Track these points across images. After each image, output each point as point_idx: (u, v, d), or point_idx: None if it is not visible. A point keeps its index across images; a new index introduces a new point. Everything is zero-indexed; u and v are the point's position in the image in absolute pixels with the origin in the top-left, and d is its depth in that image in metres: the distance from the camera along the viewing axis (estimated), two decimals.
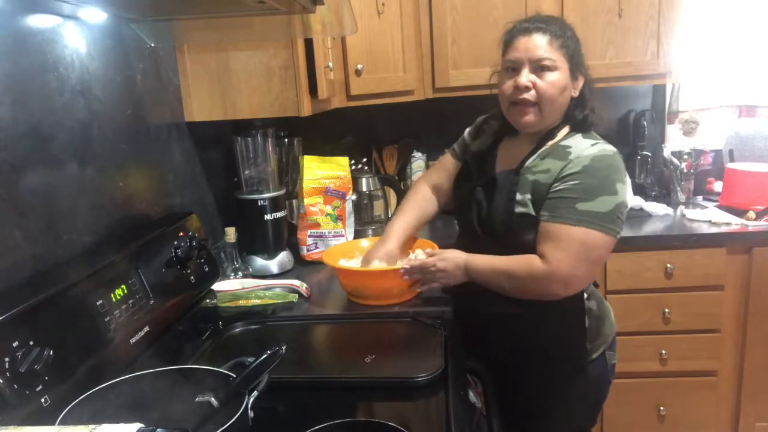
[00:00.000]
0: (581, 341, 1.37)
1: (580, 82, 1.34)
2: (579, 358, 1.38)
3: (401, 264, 1.48)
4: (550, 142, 1.34)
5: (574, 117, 1.34)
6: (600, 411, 1.56)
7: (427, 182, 1.64)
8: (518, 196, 1.30)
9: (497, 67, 1.38)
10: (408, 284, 1.45)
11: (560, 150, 1.30)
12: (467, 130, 1.60)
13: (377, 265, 1.50)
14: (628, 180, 2.26)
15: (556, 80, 1.29)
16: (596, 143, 1.30)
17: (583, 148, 1.28)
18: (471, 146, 1.55)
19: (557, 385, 1.38)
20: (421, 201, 1.61)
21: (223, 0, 1.13)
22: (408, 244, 1.60)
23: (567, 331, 1.36)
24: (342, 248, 1.72)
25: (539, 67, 1.29)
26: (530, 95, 1.30)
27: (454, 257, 1.39)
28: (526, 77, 1.29)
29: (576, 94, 1.34)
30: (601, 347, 1.42)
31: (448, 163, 1.60)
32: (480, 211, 1.37)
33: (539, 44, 1.29)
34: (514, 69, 1.32)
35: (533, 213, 1.29)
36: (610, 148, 1.30)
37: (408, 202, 1.62)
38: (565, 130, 1.35)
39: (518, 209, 1.29)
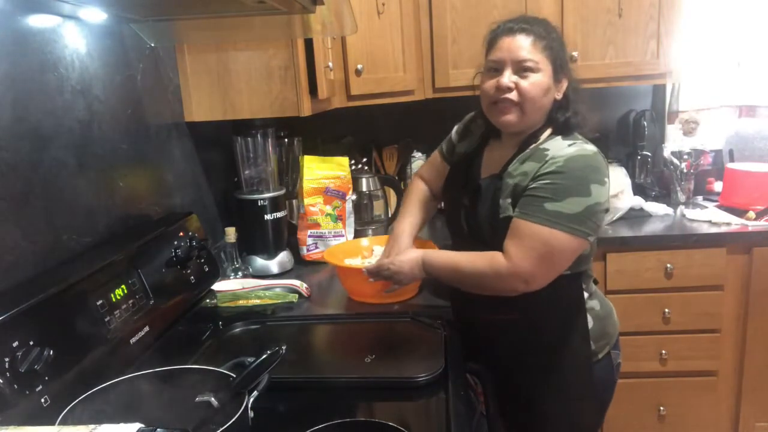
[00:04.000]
0: (584, 342, 1.36)
1: (564, 85, 1.33)
2: (583, 359, 1.37)
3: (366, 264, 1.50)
4: (533, 146, 1.33)
5: (557, 119, 1.33)
6: (606, 411, 1.55)
7: (423, 179, 1.64)
8: (501, 201, 1.30)
9: (481, 68, 1.38)
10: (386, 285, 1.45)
11: (539, 153, 1.30)
12: (455, 128, 1.58)
13: None
14: (627, 181, 2.30)
15: (539, 81, 1.28)
16: (574, 144, 1.29)
17: (560, 148, 1.28)
18: (458, 147, 1.54)
19: (561, 387, 1.37)
20: (423, 199, 1.61)
21: (223, 0, 1.13)
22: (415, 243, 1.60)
23: (568, 333, 1.35)
24: (343, 248, 1.73)
25: (522, 68, 1.28)
26: (512, 96, 1.29)
27: (409, 258, 1.40)
28: (508, 78, 1.28)
29: (559, 96, 1.33)
30: (606, 347, 1.42)
31: (438, 162, 1.59)
32: (468, 217, 1.38)
33: (523, 45, 1.28)
34: (496, 69, 1.31)
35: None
36: (589, 149, 1.29)
37: (411, 201, 1.61)
38: (548, 132, 1.35)
39: (502, 214, 1.30)
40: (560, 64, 1.31)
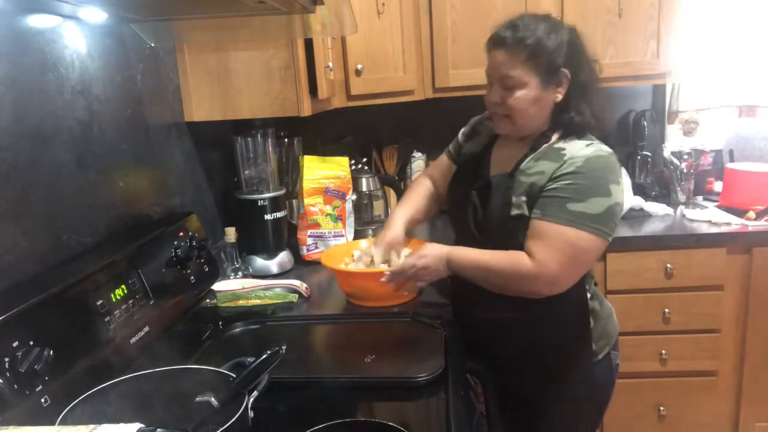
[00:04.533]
0: (585, 342, 1.36)
1: (564, 86, 1.30)
2: (583, 360, 1.37)
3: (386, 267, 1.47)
4: (545, 145, 1.33)
5: (563, 121, 1.32)
6: (604, 411, 1.55)
7: (428, 176, 1.64)
8: (513, 199, 1.29)
9: None
10: (397, 287, 1.44)
11: (555, 152, 1.29)
12: (462, 130, 1.58)
13: (379, 257, 1.50)
14: (627, 181, 2.30)
15: (523, 96, 1.28)
16: (591, 144, 1.28)
17: (578, 149, 1.27)
18: (465, 147, 1.54)
19: (561, 388, 1.37)
20: (424, 191, 1.61)
21: (223, 0, 1.13)
22: (408, 238, 1.59)
23: (570, 334, 1.35)
24: (341, 249, 1.72)
25: (506, 84, 1.28)
26: (501, 110, 1.31)
27: (434, 252, 1.37)
28: (494, 94, 1.31)
29: (559, 98, 1.30)
30: (606, 347, 1.42)
31: (444, 164, 1.60)
32: (476, 214, 1.37)
33: (502, 62, 1.28)
34: (489, 83, 1.33)
35: (528, 214, 1.28)
36: (605, 149, 1.28)
37: (410, 193, 1.62)
38: (559, 133, 1.34)
39: (514, 212, 1.29)
40: (552, 69, 1.27)
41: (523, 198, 1.28)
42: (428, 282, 1.43)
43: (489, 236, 1.34)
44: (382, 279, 1.41)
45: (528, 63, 1.26)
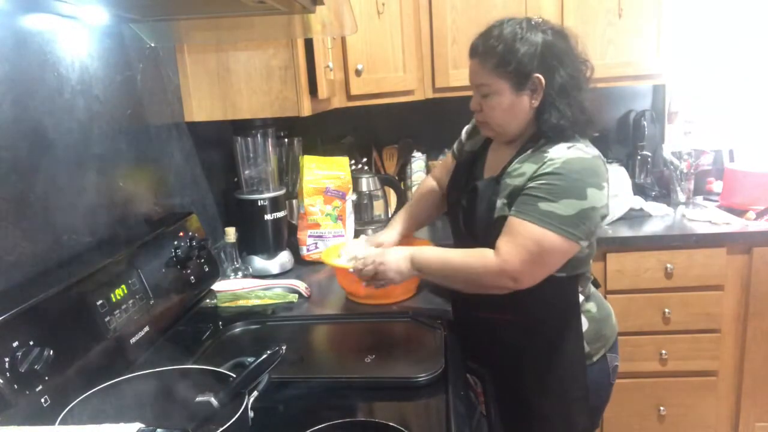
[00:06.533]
0: (578, 344, 1.36)
1: (539, 92, 1.28)
2: (576, 362, 1.37)
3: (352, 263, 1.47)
4: (532, 148, 1.32)
5: (544, 125, 1.30)
6: (601, 414, 1.55)
7: (434, 177, 1.68)
8: (498, 203, 1.30)
9: None
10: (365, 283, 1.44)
11: (539, 154, 1.29)
12: (465, 128, 1.59)
13: (349, 254, 1.51)
14: (627, 181, 2.30)
15: (496, 104, 1.29)
16: (573, 146, 1.27)
17: (560, 151, 1.26)
18: (466, 146, 1.55)
19: (555, 389, 1.37)
20: (428, 195, 1.65)
21: (223, 0, 1.13)
22: (410, 239, 1.63)
23: (564, 335, 1.35)
24: (339, 248, 1.72)
25: (482, 92, 1.31)
26: (480, 116, 1.35)
27: (395, 252, 1.39)
28: (473, 101, 1.34)
29: (536, 103, 1.29)
30: (602, 350, 1.41)
31: (448, 163, 1.62)
32: (465, 216, 1.39)
33: (475, 70, 1.31)
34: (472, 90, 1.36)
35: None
36: (589, 152, 1.27)
37: (416, 196, 1.68)
38: (545, 137, 1.33)
39: (497, 214, 1.30)
40: (524, 75, 1.26)
41: (505, 200, 1.29)
42: (392, 281, 1.40)
43: (476, 237, 1.35)
44: (350, 271, 1.43)
45: (497, 70, 1.27)
